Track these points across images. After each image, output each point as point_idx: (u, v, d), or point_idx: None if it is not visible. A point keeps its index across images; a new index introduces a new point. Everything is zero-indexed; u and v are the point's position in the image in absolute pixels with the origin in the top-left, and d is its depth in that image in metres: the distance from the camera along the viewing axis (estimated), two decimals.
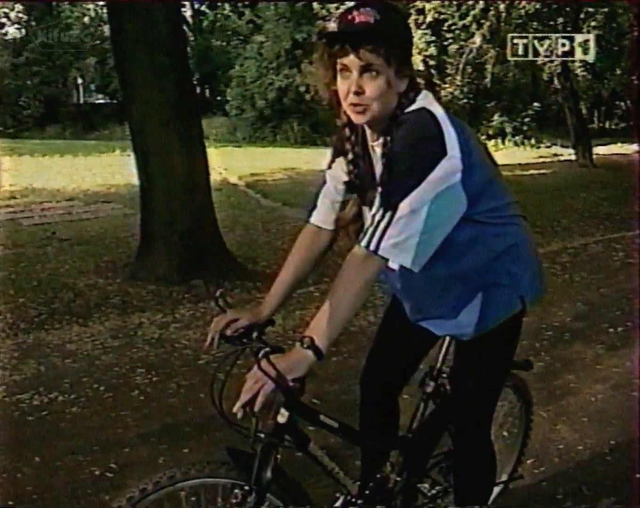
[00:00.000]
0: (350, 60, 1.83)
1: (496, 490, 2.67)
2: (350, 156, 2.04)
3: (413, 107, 1.90)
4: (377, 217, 1.84)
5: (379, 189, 1.89)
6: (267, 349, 1.82)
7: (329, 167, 2.16)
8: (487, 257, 2.05)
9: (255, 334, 2.01)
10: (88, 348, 5.17)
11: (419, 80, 1.92)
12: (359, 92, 1.85)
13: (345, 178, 2.09)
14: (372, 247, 1.82)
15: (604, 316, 5.54)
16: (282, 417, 1.90)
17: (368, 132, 2.00)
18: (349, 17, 1.82)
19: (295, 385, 1.77)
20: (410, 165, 1.82)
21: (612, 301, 5.97)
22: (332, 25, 1.85)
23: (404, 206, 1.80)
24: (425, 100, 1.92)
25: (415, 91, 1.92)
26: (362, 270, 1.84)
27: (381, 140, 1.94)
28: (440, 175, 1.81)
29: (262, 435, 1.89)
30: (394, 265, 1.87)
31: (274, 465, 1.91)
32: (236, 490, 1.93)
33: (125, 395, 4.32)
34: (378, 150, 1.96)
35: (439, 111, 1.88)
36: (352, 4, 1.87)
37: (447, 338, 2.27)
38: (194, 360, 4.77)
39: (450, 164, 1.82)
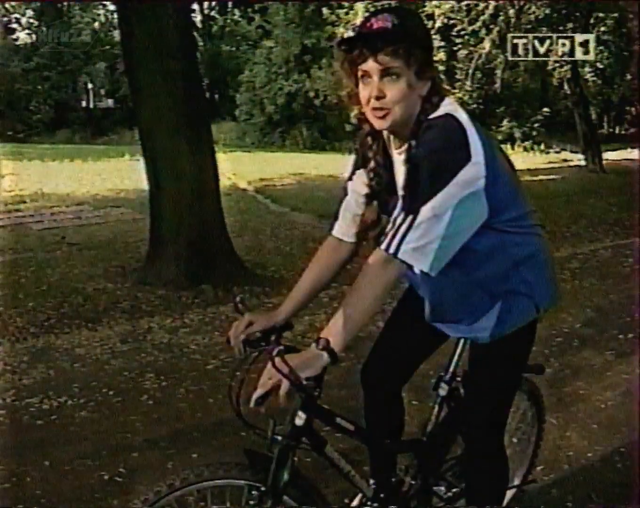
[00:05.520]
0: (370, 65, 1.83)
1: (509, 494, 2.65)
2: (372, 164, 2.04)
3: (438, 112, 1.89)
4: (399, 221, 1.83)
5: (401, 193, 1.89)
6: (281, 348, 1.81)
7: (350, 179, 2.15)
8: (506, 266, 2.05)
9: (273, 337, 2.02)
10: (97, 352, 5.18)
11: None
12: (380, 97, 1.85)
13: (366, 190, 2.09)
14: (391, 250, 1.81)
15: (614, 322, 5.52)
16: (300, 419, 1.90)
17: (391, 139, 1.99)
18: (367, 24, 1.84)
19: (309, 384, 1.79)
20: (434, 171, 1.82)
21: (622, 307, 5.94)
22: (350, 33, 1.86)
23: (425, 211, 1.80)
24: (450, 106, 1.91)
25: (438, 96, 1.91)
26: (381, 273, 1.84)
27: (405, 146, 1.93)
28: (464, 180, 1.81)
29: (279, 437, 1.91)
30: (415, 268, 1.86)
31: (291, 467, 1.92)
32: (253, 492, 1.94)
33: (134, 399, 4.32)
34: (401, 157, 1.95)
35: (464, 117, 1.88)
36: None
37: (462, 342, 2.27)
38: (203, 365, 4.76)
39: (475, 170, 1.82)
